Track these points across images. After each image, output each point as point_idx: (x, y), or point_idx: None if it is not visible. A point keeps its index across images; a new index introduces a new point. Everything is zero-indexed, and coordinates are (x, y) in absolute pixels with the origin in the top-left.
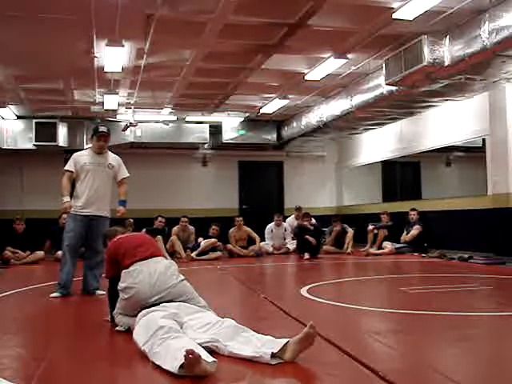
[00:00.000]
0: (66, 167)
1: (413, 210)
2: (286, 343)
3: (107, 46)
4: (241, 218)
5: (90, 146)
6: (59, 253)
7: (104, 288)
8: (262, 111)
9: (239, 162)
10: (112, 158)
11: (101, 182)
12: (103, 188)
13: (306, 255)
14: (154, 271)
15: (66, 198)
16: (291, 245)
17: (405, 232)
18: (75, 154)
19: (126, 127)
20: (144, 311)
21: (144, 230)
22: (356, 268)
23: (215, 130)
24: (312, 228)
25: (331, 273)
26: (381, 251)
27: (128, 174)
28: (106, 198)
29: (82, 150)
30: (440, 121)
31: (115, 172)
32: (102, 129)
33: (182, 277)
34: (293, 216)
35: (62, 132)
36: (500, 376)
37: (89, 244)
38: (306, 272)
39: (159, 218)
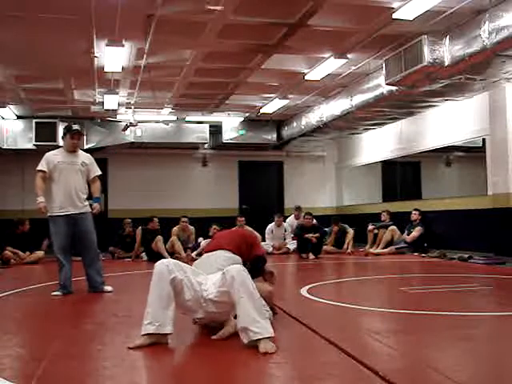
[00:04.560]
0: (39, 167)
1: (415, 210)
2: None
3: (107, 45)
4: (243, 219)
5: (62, 145)
6: None
7: (109, 284)
8: (262, 111)
9: (239, 161)
10: (84, 156)
11: (75, 181)
12: (78, 186)
13: (311, 255)
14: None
15: (41, 199)
16: (291, 245)
17: (406, 232)
18: (47, 154)
19: (126, 127)
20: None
21: (140, 228)
22: (356, 268)
23: (215, 129)
24: (313, 223)
25: (331, 273)
26: (381, 251)
27: (100, 172)
28: (82, 194)
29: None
30: (440, 121)
31: (88, 170)
32: (76, 127)
33: None
34: (293, 216)
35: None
36: (500, 376)
37: (78, 242)
38: (306, 272)
39: (154, 219)
